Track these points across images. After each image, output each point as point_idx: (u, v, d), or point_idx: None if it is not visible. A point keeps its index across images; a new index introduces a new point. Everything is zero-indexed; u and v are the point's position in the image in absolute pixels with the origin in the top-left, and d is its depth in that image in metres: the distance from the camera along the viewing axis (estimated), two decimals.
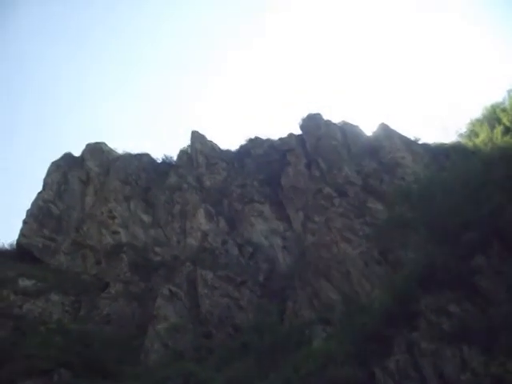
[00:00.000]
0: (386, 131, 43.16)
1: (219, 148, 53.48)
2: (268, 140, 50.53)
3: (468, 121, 32.01)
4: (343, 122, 46.61)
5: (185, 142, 54.96)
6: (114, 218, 47.21)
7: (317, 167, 41.77)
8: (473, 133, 30.44)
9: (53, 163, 52.72)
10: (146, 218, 48.11)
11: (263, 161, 47.67)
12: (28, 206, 48.61)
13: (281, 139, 49.01)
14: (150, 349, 32.57)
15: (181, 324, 34.11)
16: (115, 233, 46.16)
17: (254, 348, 27.62)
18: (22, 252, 44.32)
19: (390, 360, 18.52)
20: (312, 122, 46.36)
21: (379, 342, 19.58)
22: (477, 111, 31.75)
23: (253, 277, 37.38)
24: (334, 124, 46.02)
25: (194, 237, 43.10)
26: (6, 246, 46.91)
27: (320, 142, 43.84)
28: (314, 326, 28.10)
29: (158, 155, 55.70)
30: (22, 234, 45.58)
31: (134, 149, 55.95)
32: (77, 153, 55.06)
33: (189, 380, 25.48)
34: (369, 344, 20.04)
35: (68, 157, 53.73)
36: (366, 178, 37.94)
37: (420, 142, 42.81)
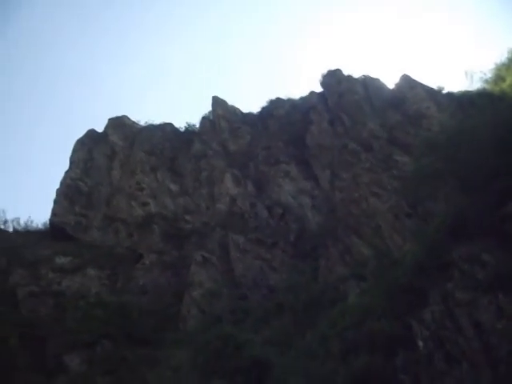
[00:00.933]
0: (408, 82, 42.27)
1: (241, 112, 53.16)
2: (289, 100, 49.98)
3: (493, 66, 30.93)
4: (364, 75, 45.69)
5: (206, 108, 54.68)
6: (142, 189, 47.60)
7: (340, 123, 41.27)
8: (499, 78, 29.44)
9: (77, 141, 52.99)
10: (173, 187, 48.33)
11: (286, 121, 47.24)
12: (57, 185, 49.30)
13: (302, 98, 48.45)
14: (188, 315, 33.15)
15: (216, 289, 34.51)
16: (145, 204, 46.62)
17: (289, 307, 27.88)
18: (55, 231, 45.07)
19: (425, 312, 18.42)
20: (332, 78, 45.60)
21: (414, 295, 19.47)
22: (501, 55, 30.65)
23: (284, 237, 37.46)
24: (355, 79, 45.19)
25: (223, 202, 43.19)
26: (40, 226, 47.88)
27: (342, 98, 43.17)
28: (347, 281, 28.14)
29: (180, 124, 55.58)
30: (54, 213, 46.30)
31: (157, 120, 55.92)
32: (100, 128, 55.27)
33: (228, 343, 25.76)
34: (403, 297, 19.97)
35: (91, 133, 53.92)
36: (391, 130, 37.43)
37: (444, 92, 41.86)
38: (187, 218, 45.30)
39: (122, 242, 43.79)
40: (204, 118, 53.52)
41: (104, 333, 29.85)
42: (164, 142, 52.54)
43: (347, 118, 40.97)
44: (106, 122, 55.53)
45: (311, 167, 41.74)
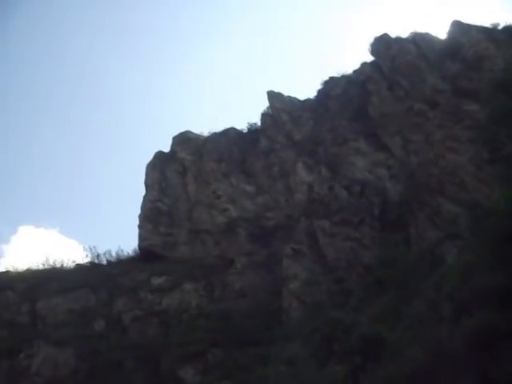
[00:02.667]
0: (460, 27, 40.38)
1: (298, 100, 52.68)
2: (343, 76, 48.95)
3: None
4: (412, 33, 44.08)
5: (262, 104, 54.71)
6: (219, 197, 48.18)
7: (399, 87, 40.05)
8: None
9: (148, 165, 54.31)
10: (249, 188, 48.59)
11: (345, 98, 46.41)
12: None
13: (355, 71, 47.35)
14: (289, 308, 33.28)
15: (312, 277, 34.40)
16: (225, 210, 47.13)
17: (388, 281, 27.45)
18: (145, 254, 46.50)
19: None
20: (381, 44, 44.28)
21: None
22: None
23: (368, 213, 36.80)
24: (404, 38, 43.59)
25: (300, 191, 42.97)
26: (131, 253, 49.56)
27: (395, 61, 41.81)
28: (442, 244, 27.41)
29: (241, 126, 55.90)
30: (141, 238, 47.84)
31: (218, 126, 56.44)
32: (163, 148, 56.52)
33: (335, 327, 25.69)
34: (505, 246, 19.19)
35: (160, 154, 55.05)
36: (453, 81, 36.00)
37: (500, 27, 39.81)
38: (268, 215, 45.44)
39: (210, 252, 44.54)
40: (264, 115, 53.45)
41: (212, 341, 30.57)
42: (230, 146, 52.90)
43: (405, 80, 39.71)
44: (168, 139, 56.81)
45: (380, 138, 40.80)
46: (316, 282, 33.83)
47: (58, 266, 50.02)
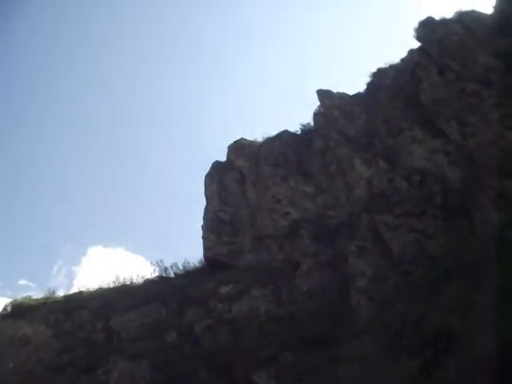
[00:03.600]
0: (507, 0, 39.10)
1: (348, 95, 52.11)
2: (391, 66, 48.05)
3: None
4: (457, 12, 42.75)
5: (313, 104, 54.45)
6: (279, 201, 48.20)
7: (449, 70, 38.87)
8: None
9: (206, 176, 55.17)
10: (308, 188, 48.31)
11: (395, 88, 45.54)
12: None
13: (403, 60, 46.42)
14: (358, 306, 32.84)
15: (378, 273, 33.94)
16: (286, 214, 47.05)
17: (455, 271, 26.70)
18: (211, 264, 47.36)
19: None
20: (426, 28, 43.13)
21: None
22: None
23: (430, 203, 35.93)
24: (449, 19, 42.44)
25: (360, 187, 42.43)
26: (197, 264, 50.52)
27: (442, 44, 40.62)
28: (509, 227, 26.42)
29: (294, 128, 55.73)
30: (206, 248, 48.68)
31: (271, 131, 56.55)
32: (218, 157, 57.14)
33: (405, 322, 25.29)
34: None
35: (217, 164, 55.76)
36: (506, 57, 34.65)
37: None
38: (330, 213, 45.06)
39: (275, 256, 44.56)
40: (316, 114, 53.07)
41: (282, 345, 30.68)
42: (285, 149, 52.84)
43: (455, 62, 38.55)
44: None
45: (435, 124, 39.66)
46: (383, 278, 33.35)
47: (128, 282, 51.65)
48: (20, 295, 60.34)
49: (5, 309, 56.03)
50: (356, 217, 40.45)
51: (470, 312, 22.41)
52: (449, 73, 39.21)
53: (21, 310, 53.04)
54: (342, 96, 52.25)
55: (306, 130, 54.07)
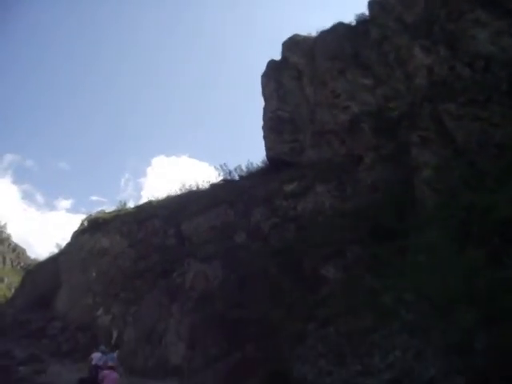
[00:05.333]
0: None
1: None
2: None
3: None
4: None
5: None
6: (338, 95, 47.39)
7: None
8: None
9: (262, 76, 54.64)
10: (366, 81, 47.14)
11: None
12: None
13: None
14: (422, 198, 32.65)
15: (442, 164, 33.41)
16: (346, 108, 46.33)
17: None
18: (274, 163, 47.89)
19: None
20: None
21: None
22: None
23: (495, 89, 34.37)
24: None
25: (421, 76, 41.00)
26: (260, 164, 51.26)
27: None
28: None
29: (349, 19, 53.75)
30: (268, 148, 49.09)
31: (324, 25, 54.86)
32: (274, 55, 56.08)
33: (472, 212, 25.28)
34: None
35: (272, 63, 54.96)
36: None
37: None
38: (391, 105, 44.06)
39: (337, 152, 44.42)
40: (370, 3, 50.72)
41: (349, 239, 31.30)
42: (341, 42, 51.27)
43: None
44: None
45: (500, 4, 37.25)
46: (448, 168, 32.89)
47: (194, 188, 53.24)
48: (94, 210, 63.71)
49: (82, 224, 59.76)
50: (417, 107, 39.40)
51: None
52: None
53: (96, 224, 56.54)
54: None
55: (362, 21, 51.91)
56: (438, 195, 31.85)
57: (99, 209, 66.19)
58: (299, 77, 52.02)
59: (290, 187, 42.28)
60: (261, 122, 52.15)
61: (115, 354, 30.21)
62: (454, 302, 20.48)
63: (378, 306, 24.45)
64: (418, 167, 35.71)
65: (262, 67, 54.86)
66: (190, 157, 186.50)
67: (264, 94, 53.03)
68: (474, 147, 33.30)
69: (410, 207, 32.48)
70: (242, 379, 27.00)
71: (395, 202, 33.98)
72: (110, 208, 62.04)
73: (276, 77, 53.11)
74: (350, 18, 54.03)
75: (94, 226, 56.30)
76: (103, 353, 30.24)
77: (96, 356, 30.01)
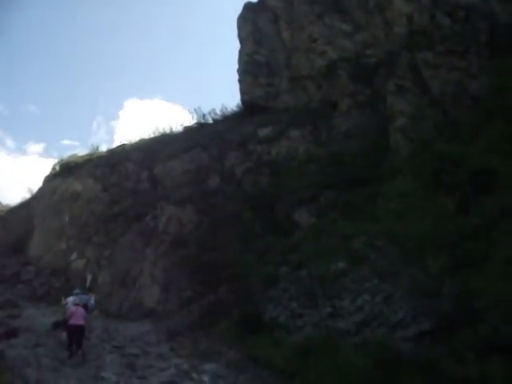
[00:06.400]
0: None
1: None
2: None
3: None
4: None
5: None
6: (315, 40, 46.69)
7: None
8: None
9: (238, 18, 53.38)
10: (345, 26, 46.47)
11: None
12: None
13: None
14: (396, 146, 32.81)
15: (417, 113, 33.46)
16: (323, 53, 45.76)
17: (499, 111, 26.21)
18: (248, 108, 47.40)
19: None
20: None
21: None
22: None
23: (474, 40, 34.21)
24: None
25: (400, 24, 40.64)
26: (234, 108, 50.84)
27: None
28: None
29: None
30: (243, 92, 48.49)
31: None
32: None
33: (444, 161, 25.56)
34: None
35: (248, 6, 53.59)
36: None
37: None
38: (368, 52, 43.70)
39: (313, 97, 44.17)
40: None
41: (322, 184, 31.56)
42: None
43: None
44: None
45: None
46: (422, 117, 33.05)
47: (168, 131, 52.74)
48: (66, 154, 62.72)
49: (54, 168, 58.78)
50: (396, 55, 39.14)
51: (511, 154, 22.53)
52: None
53: (68, 168, 55.69)
54: None
55: None
56: (412, 143, 32.07)
57: (71, 153, 65.13)
58: (276, 20, 51.08)
59: (264, 132, 42.12)
60: (236, 65, 51.43)
61: (92, 299, 30.34)
62: (423, 248, 21.06)
63: (350, 250, 25.00)
64: (393, 115, 35.73)
65: (239, 9, 53.81)
66: (163, 99, 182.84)
67: (240, 36, 51.98)
68: (449, 97, 33.46)
69: (384, 154, 32.81)
70: (215, 321, 27.51)
71: (370, 148, 34.20)
72: (82, 152, 61.27)
73: (252, 19, 51.99)
74: None
75: (67, 171, 55.47)
76: (77, 295, 30.40)
77: (70, 300, 30.23)
